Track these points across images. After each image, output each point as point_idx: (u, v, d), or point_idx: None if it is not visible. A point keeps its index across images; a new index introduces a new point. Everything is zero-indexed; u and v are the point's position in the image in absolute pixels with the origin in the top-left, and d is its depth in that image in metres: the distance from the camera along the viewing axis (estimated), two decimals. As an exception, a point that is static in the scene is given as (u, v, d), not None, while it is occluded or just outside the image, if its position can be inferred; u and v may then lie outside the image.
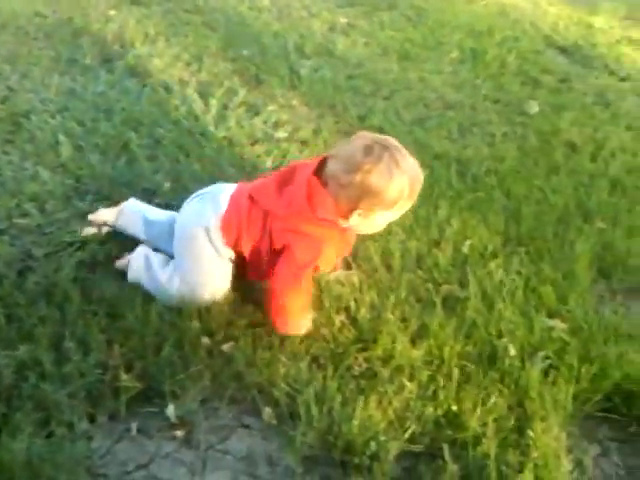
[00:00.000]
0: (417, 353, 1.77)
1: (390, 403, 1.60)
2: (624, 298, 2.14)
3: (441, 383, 1.68)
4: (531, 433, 1.55)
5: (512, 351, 1.81)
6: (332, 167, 1.69)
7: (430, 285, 2.05)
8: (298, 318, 1.81)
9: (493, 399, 1.64)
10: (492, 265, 2.13)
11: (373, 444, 1.49)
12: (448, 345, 1.79)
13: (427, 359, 1.76)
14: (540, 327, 1.89)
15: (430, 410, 1.60)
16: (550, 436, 1.57)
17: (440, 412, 1.60)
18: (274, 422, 1.56)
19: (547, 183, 2.64)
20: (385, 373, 1.70)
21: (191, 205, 1.93)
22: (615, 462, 1.61)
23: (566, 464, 1.54)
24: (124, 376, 1.61)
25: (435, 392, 1.66)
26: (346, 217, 1.72)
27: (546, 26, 4.63)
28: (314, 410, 1.55)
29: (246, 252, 1.83)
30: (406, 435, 1.53)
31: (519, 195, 2.55)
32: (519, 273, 2.11)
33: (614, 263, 2.24)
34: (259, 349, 1.72)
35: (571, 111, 3.33)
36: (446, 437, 1.55)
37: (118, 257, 2.01)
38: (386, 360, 1.74)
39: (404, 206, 1.75)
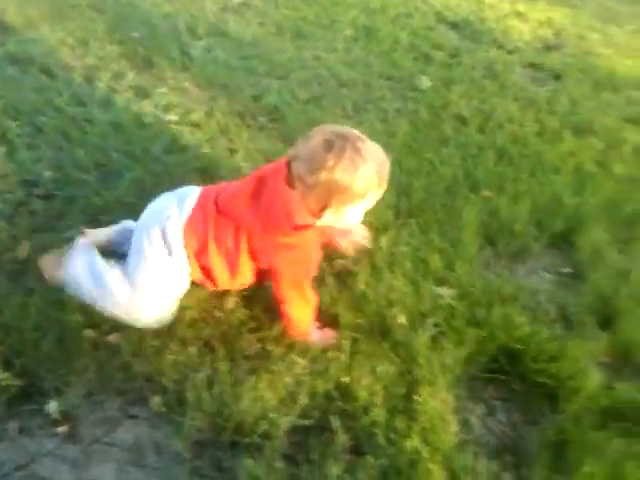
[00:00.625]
0: (309, 329, 1.78)
1: (281, 381, 1.60)
2: (509, 262, 2.22)
3: (333, 357, 1.69)
4: (418, 398, 1.59)
5: (402, 320, 1.85)
6: (297, 169, 1.61)
7: (323, 263, 2.06)
8: (306, 325, 1.78)
9: (383, 368, 1.68)
10: (383, 239, 2.16)
11: (264, 423, 1.49)
12: (339, 318, 1.81)
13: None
14: (429, 295, 1.94)
15: (321, 384, 1.61)
16: (437, 400, 1.62)
17: (331, 385, 1.62)
18: (163, 410, 1.53)
19: (437, 156, 2.70)
20: (277, 352, 1.70)
21: (155, 204, 1.82)
22: (500, 420, 1.67)
23: (453, 425, 1.59)
24: (2, 374, 1.54)
25: (327, 366, 1.67)
26: (319, 217, 1.66)
27: (438, 3, 4.71)
28: (203, 394, 1.53)
29: (213, 261, 1.73)
30: (297, 411, 1.54)
31: (410, 169, 2.59)
32: (409, 244, 2.15)
33: (500, 229, 2.32)
34: (147, 338, 1.69)
35: (461, 85, 3.41)
36: (336, 409, 1.56)
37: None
38: (278, 339, 1.74)
39: (376, 194, 1.68)
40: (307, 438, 1.50)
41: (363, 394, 1.59)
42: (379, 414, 1.54)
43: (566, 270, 2.20)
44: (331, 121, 2.88)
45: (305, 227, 1.64)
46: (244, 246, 1.70)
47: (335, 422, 1.52)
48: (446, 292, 1.97)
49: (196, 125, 2.77)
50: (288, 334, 1.76)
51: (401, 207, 2.35)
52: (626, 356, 1.87)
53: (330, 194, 1.59)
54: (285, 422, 1.50)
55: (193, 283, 1.79)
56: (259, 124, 2.83)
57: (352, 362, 1.69)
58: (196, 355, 1.65)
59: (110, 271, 1.75)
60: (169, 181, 2.26)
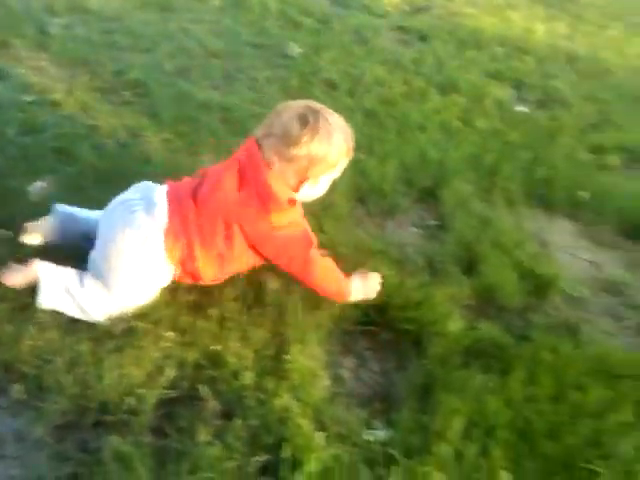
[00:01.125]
0: (178, 303, 1.75)
1: (148, 356, 1.57)
2: (380, 220, 2.27)
3: (202, 326, 1.68)
4: (288, 357, 1.61)
5: (274, 285, 1.86)
6: (272, 146, 1.65)
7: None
8: (341, 283, 1.79)
9: (253, 332, 1.68)
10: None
11: (130, 399, 1.46)
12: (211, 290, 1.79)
13: (190, 308, 1.76)
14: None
15: (190, 355, 1.60)
16: (308, 357, 1.64)
17: (200, 355, 1.60)
18: (24, 397, 1.47)
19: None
20: (144, 327, 1.66)
21: (119, 213, 1.72)
22: (372, 369, 1.72)
23: (325, 380, 1.62)
24: None
25: (196, 337, 1.65)
26: (297, 190, 1.70)
27: (308, -30, 4.70)
28: (65, 377, 1.48)
29: (202, 265, 1.71)
30: (164, 383, 1.52)
31: (280, 135, 2.59)
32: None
33: (370, 189, 2.37)
34: (3, 324, 1.61)
35: (330, 50, 3.44)
36: (206, 377, 1.55)
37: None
38: (144, 315, 1.70)
39: (345, 162, 1.76)
40: (176, 409, 1.48)
41: (233, 360, 1.59)
42: (248, 377, 1.54)
43: (433, 223, 2.28)
44: (199, 92, 2.86)
45: (292, 203, 1.68)
46: (239, 239, 1.69)
47: (204, 390, 1.51)
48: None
49: (55, 104, 2.64)
50: (340, 301, 1.80)
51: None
52: (488, 298, 1.96)
53: (308, 166, 1.66)
54: (152, 396, 1.47)
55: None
56: (123, 99, 2.74)
57: (222, 330, 1.68)
58: (57, 339, 1.59)
59: (87, 290, 1.67)
60: (25, 163, 2.16)
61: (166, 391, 1.51)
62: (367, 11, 4.14)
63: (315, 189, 1.76)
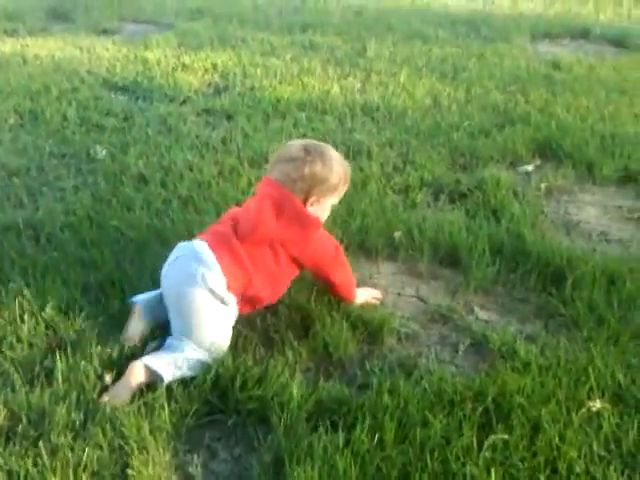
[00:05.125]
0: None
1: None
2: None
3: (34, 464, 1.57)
4: (131, 471, 1.54)
5: (104, 399, 1.78)
6: (282, 171, 2.04)
7: None
8: (354, 285, 2.20)
9: (90, 456, 1.59)
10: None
11: None
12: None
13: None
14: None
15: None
16: (152, 465, 1.58)
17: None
18: None
19: (123, 222, 2.67)
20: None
21: (173, 270, 1.99)
22: (224, 458, 1.69)
23: (175, 485, 1.57)
24: None
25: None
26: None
27: (103, 70, 4.74)
28: None
29: (260, 288, 2.00)
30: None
31: (95, 241, 2.53)
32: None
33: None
34: None
35: (137, 146, 3.44)
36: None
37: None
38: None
39: (343, 190, 2.15)
40: None
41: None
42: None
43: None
44: (2, 216, 2.74)
45: (318, 219, 2.06)
46: (283, 257, 2.01)
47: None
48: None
49: None
50: (348, 300, 2.18)
51: (91, 281, 2.28)
52: (325, 356, 2.01)
53: (312, 185, 2.02)
54: None
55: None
56: None
57: (54, 462, 1.57)
58: None
59: (187, 354, 1.88)
60: None
61: None
62: (169, 100, 4.19)
63: (320, 211, 2.09)
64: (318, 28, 6.26)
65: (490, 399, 1.78)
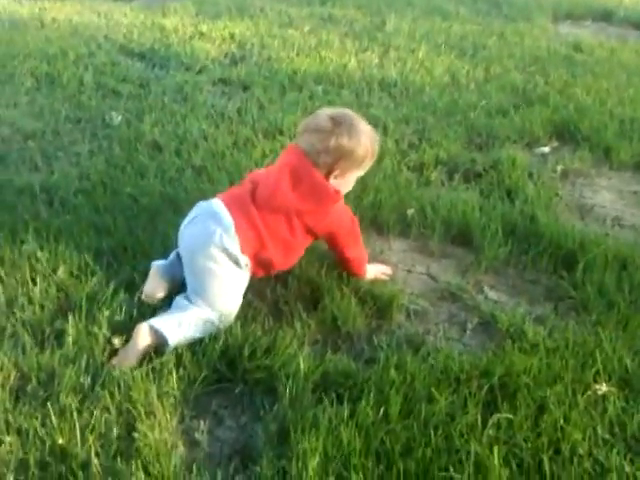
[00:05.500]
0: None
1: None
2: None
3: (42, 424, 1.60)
4: (137, 435, 1.56)
5: (114, 362, 1.80)
6: (307, 141, 1.99)
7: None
8: (366, 260, 2.21)
9: (98, 417, 1.61)
10: (88, 286, 2.09)
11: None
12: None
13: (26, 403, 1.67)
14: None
15: (32, 455, 1.51)
16: (159, 430, 1.60)
17: (42, 453, 1.52)
18: None
19: (136, 189, 2.68)
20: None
21: (190, 229, 2.00)
22: (229, 426, 1.70)
23: (180, 449, 1.59)
24: None
25: (37, 435, 1.57)
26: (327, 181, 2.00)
27: (120, 36, 4.71)
28: None
29: (272, 252, 1.99)
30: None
31: (109, 207, 2.54)
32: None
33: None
34: None
35: (152, 114, 3.43)
36: (55, 475, 1.47)
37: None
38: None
39: (369, 163, 2.08)
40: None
41: (77, 451, 1.52)
42: (97, 466, 1.48)
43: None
44: (17, 179, 2.75)
45: (338, 193, 2.01)
46: (299, 228, 1.99)
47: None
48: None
49: None
50: (358, 275, 2.18)
51: (103, 248, 2.29)
52: (334, 329, 2.02)
53: (337, 158, 1.96)
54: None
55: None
56: None
57: (63, 422, 1.60)
58: None
59: (194, 315, 1.90)
60: None
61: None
62: (185, 69, 4.17)
63: (343, 184, 2.04)
64: (337, 1, 6.18)
65: (496, 378, 1.78)
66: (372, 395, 1.70)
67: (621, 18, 6.26)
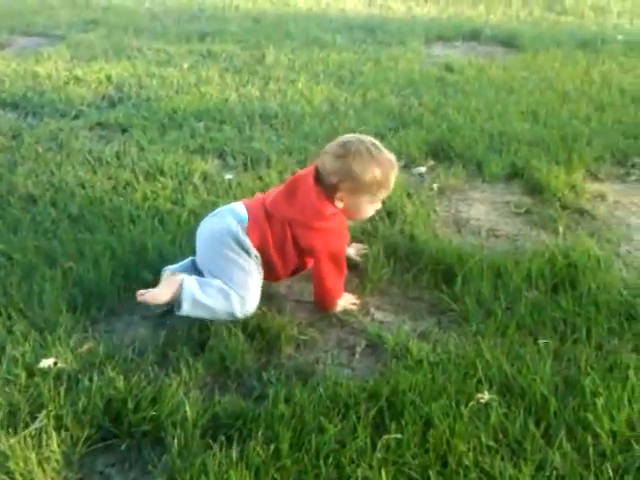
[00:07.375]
0: None
1: None
2: (105, 325, 2.20)
3: None
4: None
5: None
6: (321, 160, 2.15)
7: None
8: (339, 294, 2.26)
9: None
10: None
11: None
12: None
13: None
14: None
15: None
16: (39, 499, 1.52)
17: None
18: None
19: (8, 244, 2.57)
20: None
21: (210, 222, 2.25)
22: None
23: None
24: None
25: None
26: (333, 202, 2.14)
27: (-11, 87, 4.52)
28: None
29: (274, 256, 2.18)
30: None
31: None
32: None
33: (89, 295, 2.28)
34: None
35: (25, 165, 3.31)
36: None
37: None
38: None
39: (382, 193, 2.19)
40: None
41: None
42: None
43: (160, 310, 2.25)
44: None
45: (334, 214, 2.14)
46: (290, 237, 2.15)
47: None
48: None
49: None
50: (329, 309, 2.25)
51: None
52: (223, 369, 1.99)
53: (342, 179, 2.09)
54: None
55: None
56: None
57: None
58: None
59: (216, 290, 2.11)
60: None
61: None
62: (60, 115, 4.05)
63: (351, 209, 2.18)
64: (216, 36, 6.20)
65: (384, 399, 1.82)
66: (261, 433, 1.69)
67: (488, 36, 6.61)
